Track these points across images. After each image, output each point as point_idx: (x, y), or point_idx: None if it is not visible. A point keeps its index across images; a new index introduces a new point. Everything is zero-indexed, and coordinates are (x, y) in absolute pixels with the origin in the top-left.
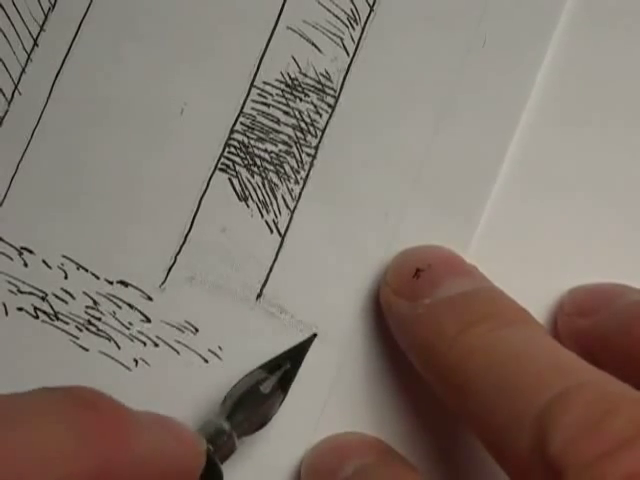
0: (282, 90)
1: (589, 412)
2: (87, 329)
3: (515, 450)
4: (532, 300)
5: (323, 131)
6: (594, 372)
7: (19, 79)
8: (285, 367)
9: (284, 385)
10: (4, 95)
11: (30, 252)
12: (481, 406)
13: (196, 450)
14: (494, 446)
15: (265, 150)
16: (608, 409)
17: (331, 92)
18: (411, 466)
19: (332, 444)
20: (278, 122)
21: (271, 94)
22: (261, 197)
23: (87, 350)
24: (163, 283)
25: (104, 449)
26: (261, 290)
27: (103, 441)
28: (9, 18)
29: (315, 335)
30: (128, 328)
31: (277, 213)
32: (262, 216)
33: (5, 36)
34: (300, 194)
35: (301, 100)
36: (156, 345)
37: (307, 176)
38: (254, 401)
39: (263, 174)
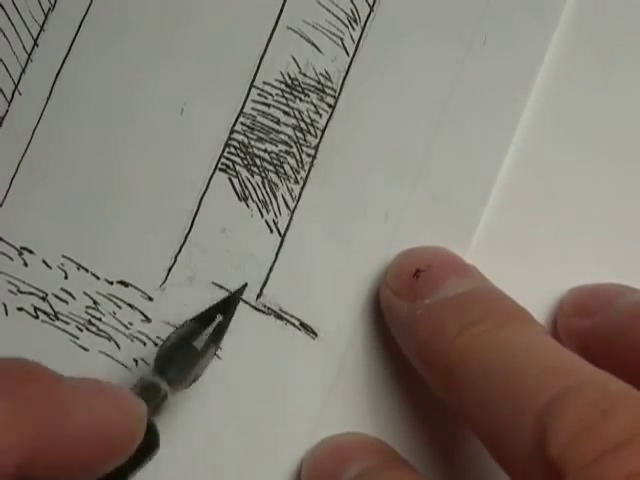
0: (282, 90)
1: (589, 412)
2: (87, 329)
3: (515, 450)
4: (532, 300)
5: (323, 131)
6: (594, 372)
7: (19, 79)
8: (217, 320)
9: (216, 338)
10: (4, 95)
11: (30, 252)
12: (481, 406)
13: (136, 414)
14: (494, 446)
15: (265, 150)
16: (608, 409)
17: (331, 92)
18: (412, 468)
19: (333, 445)
20: (278, 122)
21: (271, 94)
22: (261, 197)
23: (87, 350)
24: (163, 283)
25: (39, 420)
26: (261, 290)
27: (38, 412)
28: (9, 18)
29: (246, 284)
30: (128, 328)
31: (277, 213)
32: (262, 216)
33: (5, 36)
34: (300, 194)
35: (301, 100)
36: (156, 345)
37: (307, 176)
38: (187, 356)
39: (263, 174)
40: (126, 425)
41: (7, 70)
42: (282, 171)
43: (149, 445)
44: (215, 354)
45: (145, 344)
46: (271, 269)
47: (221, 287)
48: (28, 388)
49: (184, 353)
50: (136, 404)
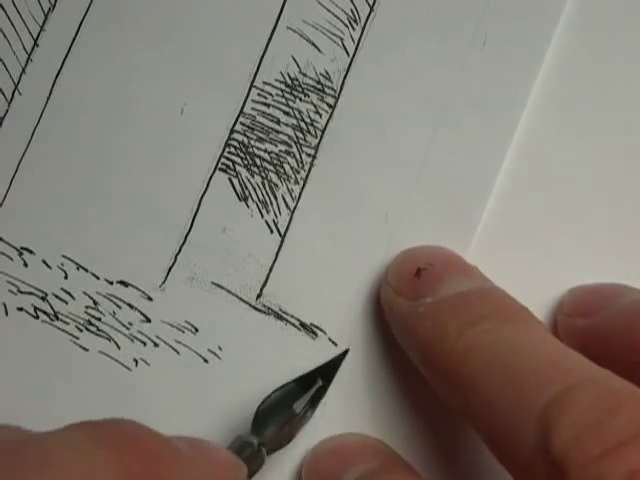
0: (282, 90)
1: (592, 410)
2: (87, 329)
3: (518, 448)
4: (532, 300)
5: (323, 131)
6: (596, 370)
7: (19, 79)
8: (318, 384)
9: (314, 402)
10: (4, 95)
11: (30, 252)
12: (483, 405)
13: (237, 477)
14: (497, 445)
15: (265, 150)
16: (611, 406)
17: (331, 92)
18: (413, 471)
19: (333, 447)
20: (278, 122)
21: (271, 94)
22: (261, 197)
23: (87, 350)
24: (163, 283)
25: None
26: (261, 290)
27: (145, 478)
28: (9, 18)
29: (347, 350)
30: (128, 328)
31: (277, 213)
32: (262, 216)
33: (5, 36)
34: (300, 194)
35: (301, 100)
36: (156, 345)
37: (307, 176)
38: (286, 419)
39: (263, 174)
40: None
41: (7, 70)
42: (282, 171)
43: None
44: (311, 418)
45: (145, 344)
46: (271, 269)
47: (221, 287)
48: (138, 454)
49: (283, 414)
50: (237, 467)
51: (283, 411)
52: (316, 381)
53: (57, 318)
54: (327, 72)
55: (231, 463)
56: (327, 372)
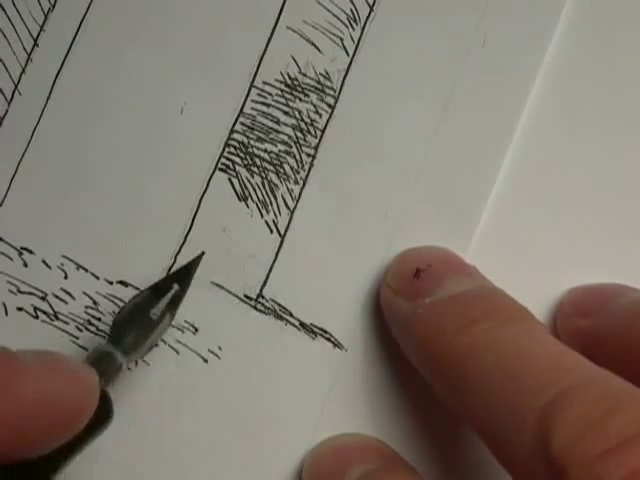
0: (282, 90)
1: (591, 410)
2: (87, 329)
3: (517, 448)
4: (532, 300)
5: (323, 131)
6: (596, 370)
7: (19, 79)
8: (174, 289)
9: (172, 307)
10: (4, 95)
11: (30, 252)
12: (483, 405)
13: (87, 385)
14: (496, 445)
15: (265, 150)
16: (610, 407)
17: (331, 92)
18: (413, 471)
19: (334, 447)
20: (278, 122)
21: (271, 94)
22: (261, 197)
23: (87, 350)
24: None
25: None
26: (261, 290)
27: None
28: (9, 18)
29: (203, 253)
30: None
31: (277, 213)
32: (262, 216)
33: (5, 36)
34: (300, 194)
35: (301, 100)
36: (156, 345)
37: (307, 176)
38: (143, 326)
39: (263, 174)
40: (76, 396)
41: (7, 70)
42: (282, 171)
43: (103, 414)
44: (170, 324)
45: None
46: (271, 269)
47: (221, 287)
48: None
49: (140, 322)
50: (87, 374)
51: (140, 318)
52: (172, 287)
53: (57, 318)
54: (327, 72)
55: (80, 370)
56: (182, 277)
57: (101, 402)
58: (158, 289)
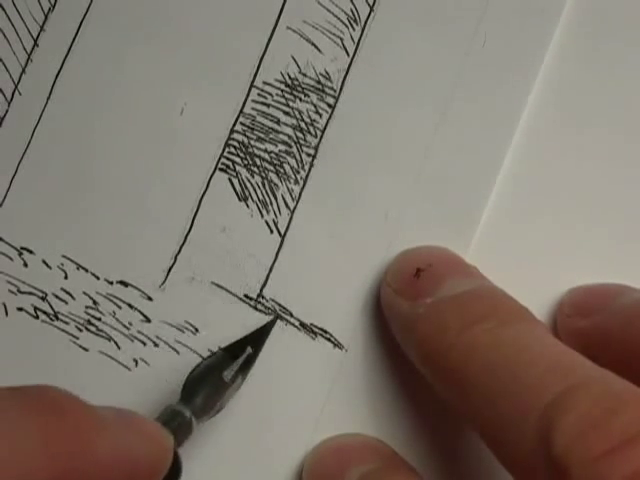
0: (282, 90)
1: (593, 410)
2: (87, 329)
3: (519, 448)
4: (532, 300)
5: (323, 131)
6: (597, 370)
7: (19, 79)
8: (247, 352)
9: (244, 370)
10: (4, 95)
11: (30, 252)
12: (483, 405)
13: (163, 447)
14: (497, 445)
15: (265, 150)
16: (612, 407)
17: (331, 92)
18: (414, 471)
19: (334, 447)
20: (278, 122)
21: (271, 94)
22: (261, 197)
23: (87, 350)
24: (163, 283)
25: (67, 453)
26: (261, 290)
27: (66, 445)
28: (9, 18)
29: (277, 317)
30: (128, 328)
31: (277, 213)
32: (262, 216)
33: (5, 36)
34: (300, 194)
35: (301, 100)
36: (156, 345)
37: (307, 176)
38: (215, 387)
39: (263, 174)
40: (152, 458)
41: (7, 70)
42: (282, 171)
43: (173, 475)
44: (241, 386)
45: (145, 344)
46: (271, 269)
47: (221, 287)
48: (58, 420)
49: (212, 383)
50: (164, 437)
51: (212, 379)
52: (245, 349)
53: (57, 318)
54: (327, 72)
55: (157, 432)
56: (257, 339)
57: (172, 462)
58: (231, 350)
